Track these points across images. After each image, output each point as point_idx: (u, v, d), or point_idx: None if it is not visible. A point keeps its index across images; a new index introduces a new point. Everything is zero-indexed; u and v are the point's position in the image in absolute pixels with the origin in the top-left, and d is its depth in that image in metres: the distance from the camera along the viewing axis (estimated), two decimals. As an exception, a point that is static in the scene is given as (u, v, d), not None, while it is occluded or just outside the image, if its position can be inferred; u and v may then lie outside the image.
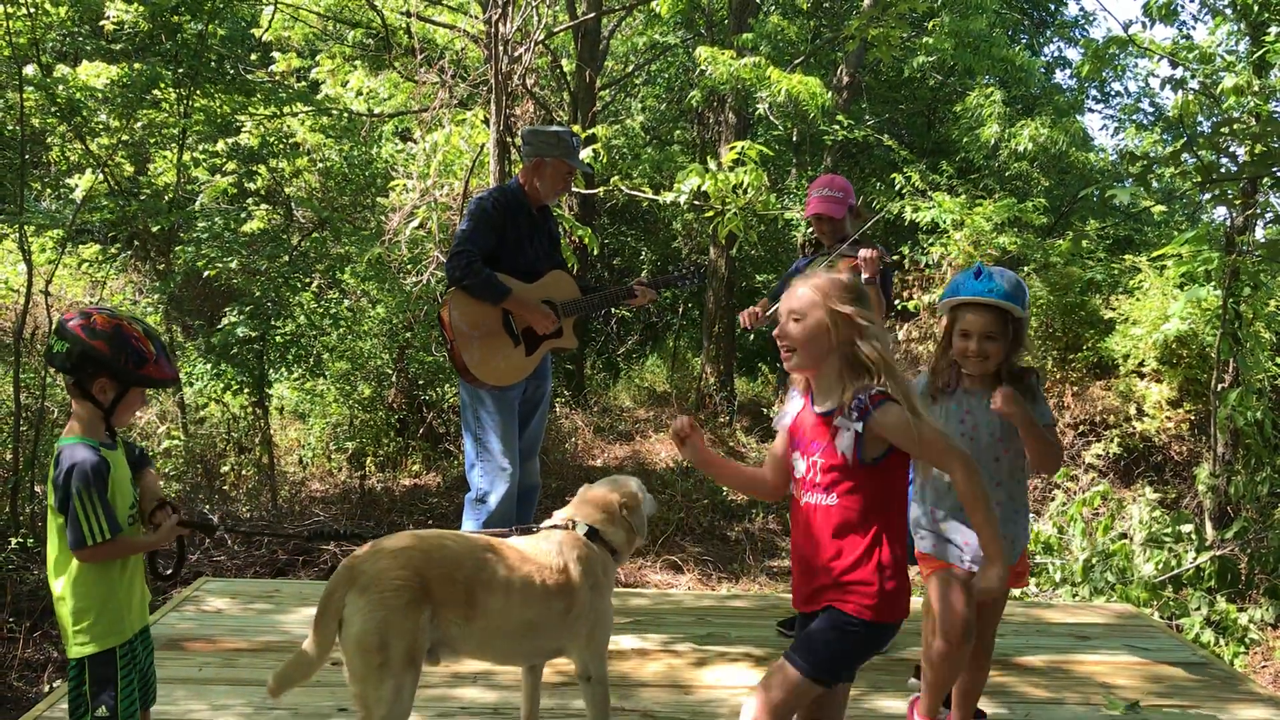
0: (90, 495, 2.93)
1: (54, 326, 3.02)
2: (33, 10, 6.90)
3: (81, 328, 2.98)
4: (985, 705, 4.21)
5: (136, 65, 7.70)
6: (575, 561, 3.34)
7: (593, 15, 11.78)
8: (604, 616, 3.41)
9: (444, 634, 3.14)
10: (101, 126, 7.59)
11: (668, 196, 8.32)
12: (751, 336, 15.15)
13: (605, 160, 9.30)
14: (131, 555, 3.10)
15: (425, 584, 3.06)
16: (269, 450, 8.12)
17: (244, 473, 8.09)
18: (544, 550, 3.35)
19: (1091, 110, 25.77)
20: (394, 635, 2.99)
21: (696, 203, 8.10)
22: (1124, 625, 5.44)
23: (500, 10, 7.60)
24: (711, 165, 8.52)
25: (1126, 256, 10.44)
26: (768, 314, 4.84)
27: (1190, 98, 8.61)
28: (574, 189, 7.67)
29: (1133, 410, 9.09)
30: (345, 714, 3.85)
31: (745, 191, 7.91)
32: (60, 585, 2.99)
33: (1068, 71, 19.87)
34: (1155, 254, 9.62)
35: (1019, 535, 3.53)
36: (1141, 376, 9.18)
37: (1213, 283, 8.52)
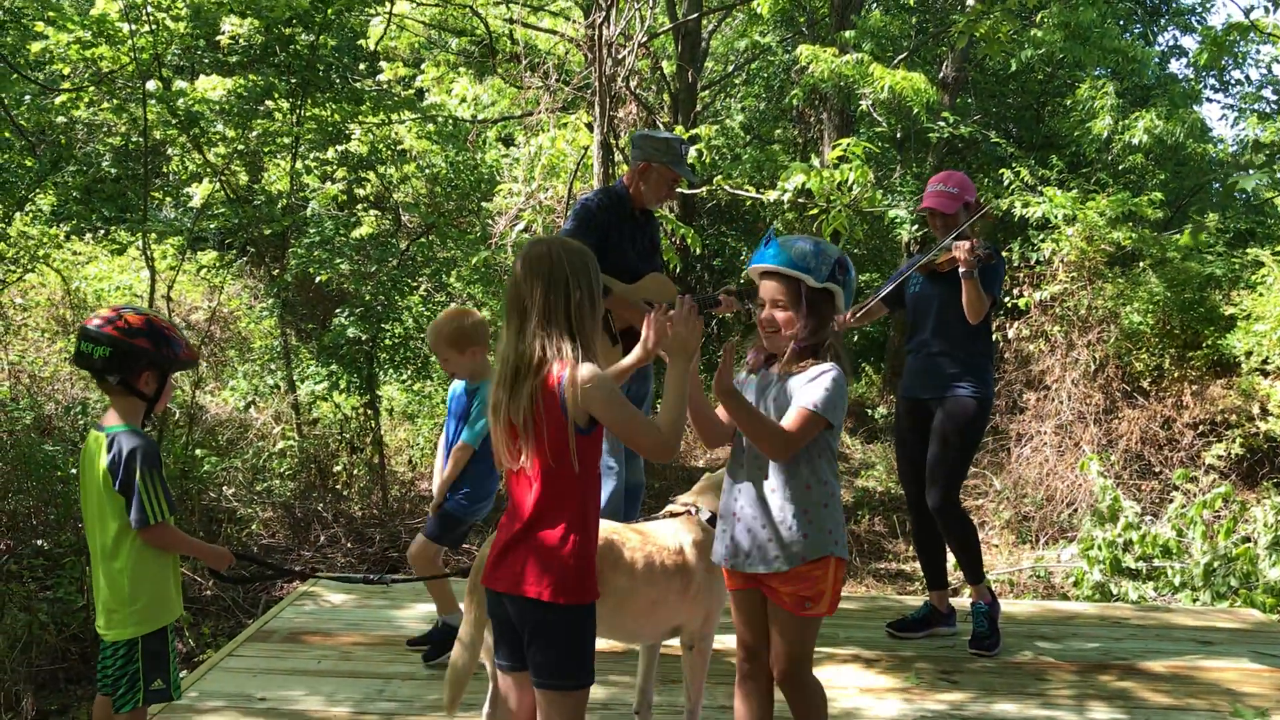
0: (153, 476, 3.09)
1: (79, 332, 3.14)
2: (154, 27, 7.16)
3: (116, 329, 3.11)
4: (1104, 711, 4.10)
5: (251, 77, 7.94)
6: (691, 545, 3.47)
7: (694, 16, 11.78)
8: (720, 599, 3.50)
9: None
10: (218, 137, 7.83)
11: (771, 195, 8.29)
12: (854, 336, 14.97)
13: (708, 160, 9.27)
14: (181, 551, 3.25)
15: None
16: (380, 450, 8.28)
17: (355, 472, 8.27)
18: (663, 533, 3.50)
19: (1210, 100, 24.85)
20: None
21: (800, 200, 8.04)
22: (1251, 631, 5.24)
23: (604, 14, 7.65)
24: (815, 163, 8.46)
25: (1249, 250, 10.03)
26: (856, 317, 4.79)
27: (1317, 83, 8.26)
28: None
29: (1256, 410, 8.72)
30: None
31: (851, 189, 7.83)
32: (115, 565, 3.11)
33: (1184, 60, 19.16)
34: (1280, 247, 9.24)
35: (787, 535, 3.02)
36: (1265, 374, 8.79)
37: (1343, 276, 8.16)
